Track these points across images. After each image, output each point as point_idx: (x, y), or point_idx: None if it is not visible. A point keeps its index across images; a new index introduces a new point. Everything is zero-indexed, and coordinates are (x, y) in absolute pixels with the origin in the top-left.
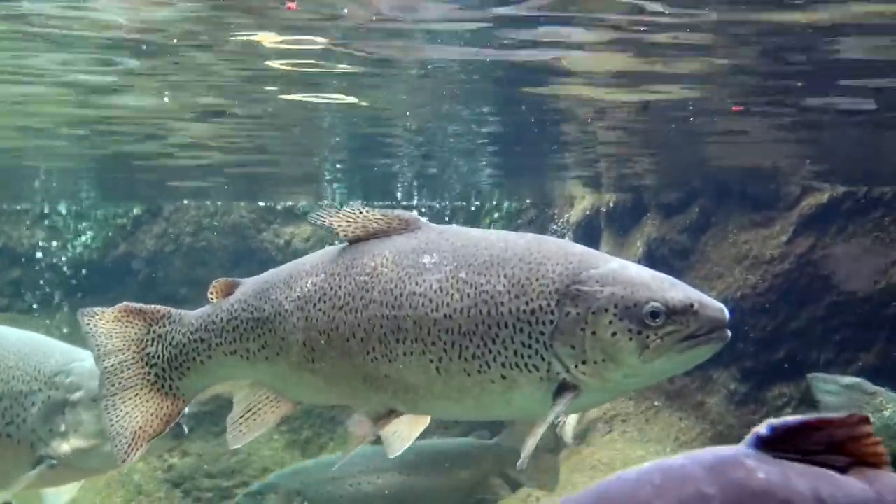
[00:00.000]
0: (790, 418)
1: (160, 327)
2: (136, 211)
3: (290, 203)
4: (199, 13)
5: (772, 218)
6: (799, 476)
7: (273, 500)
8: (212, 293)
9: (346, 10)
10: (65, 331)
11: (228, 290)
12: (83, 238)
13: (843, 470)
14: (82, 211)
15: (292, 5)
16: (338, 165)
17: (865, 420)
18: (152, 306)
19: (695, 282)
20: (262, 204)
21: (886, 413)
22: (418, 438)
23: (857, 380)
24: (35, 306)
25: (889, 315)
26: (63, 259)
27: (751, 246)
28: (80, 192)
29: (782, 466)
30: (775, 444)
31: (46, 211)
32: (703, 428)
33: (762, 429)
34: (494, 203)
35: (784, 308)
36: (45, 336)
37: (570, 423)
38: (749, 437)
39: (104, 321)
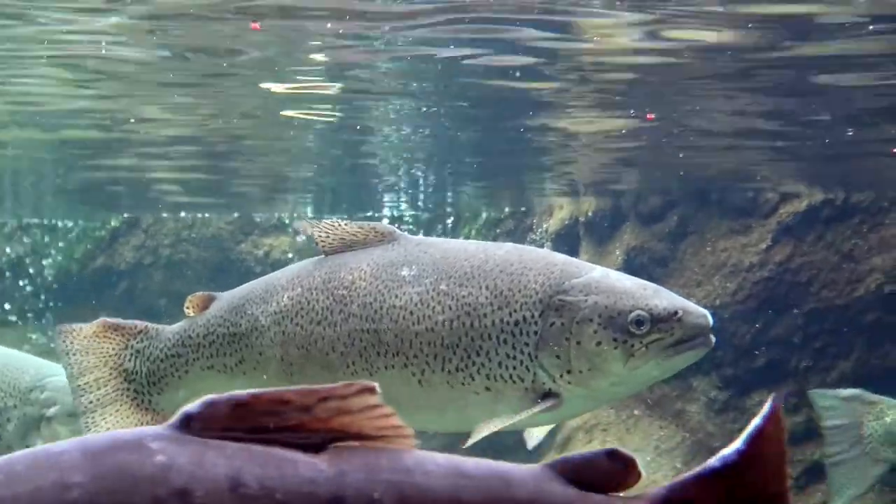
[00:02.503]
0: (237, 393)
1: (138, 342)
2: (114, 223)
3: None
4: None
5: (750, 225)
6: (223, 458)
7: None
8: (188, 307)
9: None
10: (43, 344)
11: (205, 304)
12: (61, 250)
13: (316, 448)
14: (61, 223)
15: (256, 26)
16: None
17: (370, 390)
18: (130, 321)
19: (674, 290)
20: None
21: (888, 420)
22: None
23: (858, 391)
24: (13, 319)
25: (868, 322)
26: (41, 272)
27: (729, 253)
28: (56, 204)
29: (202, 448)
30: (218, 422)
31: (24, 223)
32: (683, 436)
33: (191, 406)
34: (472, 213)
35: (763, 315)
36: (18, 351)
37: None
38: (175, 416)
39: (81, 338)
